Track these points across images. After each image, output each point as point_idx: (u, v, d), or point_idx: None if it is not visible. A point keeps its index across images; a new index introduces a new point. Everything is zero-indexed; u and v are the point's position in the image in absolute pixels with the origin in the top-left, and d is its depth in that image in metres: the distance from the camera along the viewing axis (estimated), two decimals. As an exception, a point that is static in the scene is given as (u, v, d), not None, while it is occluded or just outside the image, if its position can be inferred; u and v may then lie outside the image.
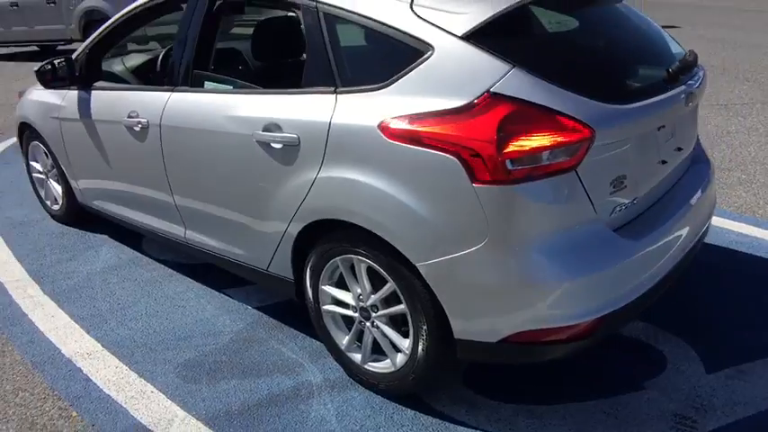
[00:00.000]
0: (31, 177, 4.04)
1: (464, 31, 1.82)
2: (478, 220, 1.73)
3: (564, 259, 1.75)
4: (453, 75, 1.80)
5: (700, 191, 2.31)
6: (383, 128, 1.85)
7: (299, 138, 2.08)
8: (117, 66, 3.38)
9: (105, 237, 3.66)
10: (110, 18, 3.07)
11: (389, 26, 1.94)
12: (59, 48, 12.17)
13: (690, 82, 2.14)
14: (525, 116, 1.70)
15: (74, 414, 2.19)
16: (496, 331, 1.82)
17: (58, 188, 3.75)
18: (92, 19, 11.03)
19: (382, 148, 1.85)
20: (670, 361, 2.34)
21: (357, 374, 2.25)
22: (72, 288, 3.09)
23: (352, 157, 1.94)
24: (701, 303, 2.73)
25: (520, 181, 1.69)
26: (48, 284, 3.13)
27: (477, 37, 1.81)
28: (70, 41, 11.51)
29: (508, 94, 1.72)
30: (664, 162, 2.10)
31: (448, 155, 1.72)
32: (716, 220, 3.50)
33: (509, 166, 1.67)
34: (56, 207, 3.85)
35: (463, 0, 1.92)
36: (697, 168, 2.48)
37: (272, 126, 2.16)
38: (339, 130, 1.97)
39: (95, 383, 2.35)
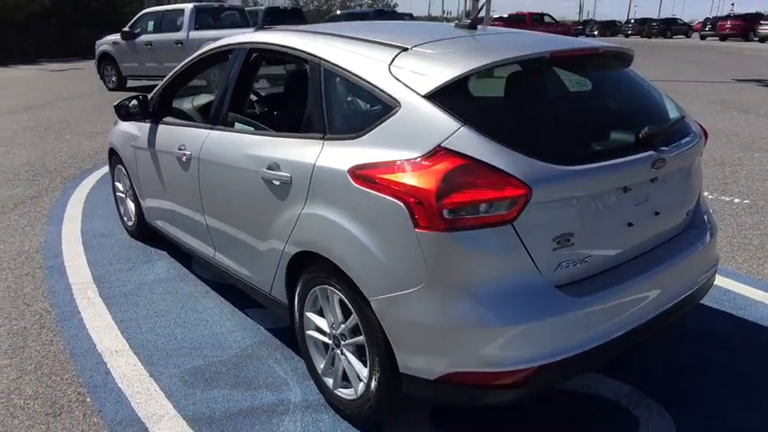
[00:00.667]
0: (114, 196, 4.64)
1: (427, 91, 2.01)
2: (419, 262, 1.88)
3: (495, 307, 1.85)
4: (413, 129, 1.99)
5: (684, 256, 2.29)
6: (351, 173, 2.06)
7: (291, 177, 2.34)
8: (186, 104, 3.88)
9: (164, 253, 4.12)
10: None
11: (369, 83, 2.17)
12: None
13: (663, 148, 2.16)
14: (467, 171, 1.84)
15: (88, 400, 2.54)
16: (432, 369, 1.93)
17: (132, 207, 4.29)
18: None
19: (349, 191, 2.07)
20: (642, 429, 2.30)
21: (329, 398, 2.43)
22: (122, 294, 3.53)
23: (328, 198, 2.17)
24: (698, 374, 2.64)
25: (456, 230, 1.82)
26: (105, 288, 3.60)
27: (437, 96, 1.99)
28: (191, 78, 12.82)
29: (455, 149, 1.88)
30: (630, 224, 2.12)
31: (398, 201, 1.90)
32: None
33: (446, 215, 1.82)
34: (130, 223, 4.40)
35: (433, 62, 2.12)
36: (690, 233, 2.45)
37: (273, 165, 2.45)
38: (320, 173, 2.21)
39: (113, 377, 2.70)
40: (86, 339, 3.03)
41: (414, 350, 1.97)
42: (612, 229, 2.09)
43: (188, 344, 2.98)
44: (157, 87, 3.75)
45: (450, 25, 2.82)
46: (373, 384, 2.13)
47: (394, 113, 2.05)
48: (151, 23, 13.33)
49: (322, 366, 2.44)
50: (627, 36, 48.66)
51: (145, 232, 4.21)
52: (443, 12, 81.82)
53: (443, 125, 1.93)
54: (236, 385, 2.62)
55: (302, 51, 2.53)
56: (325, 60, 2.40)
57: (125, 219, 4.49)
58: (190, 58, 3.50)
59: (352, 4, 63.11)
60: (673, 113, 2.43)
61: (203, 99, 3.94)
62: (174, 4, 14.97)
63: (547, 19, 33.41)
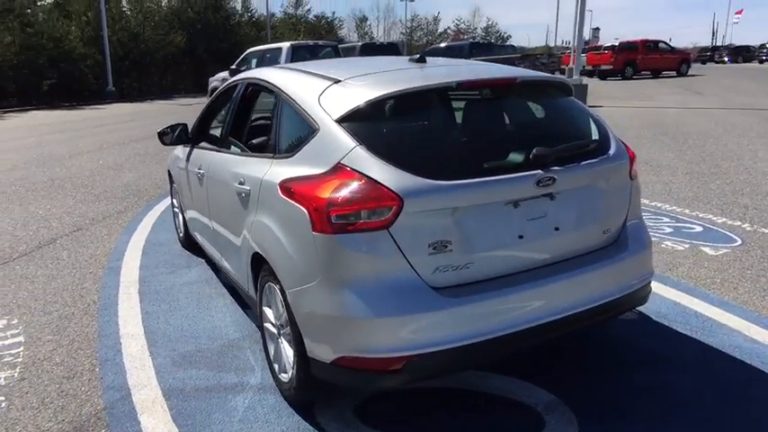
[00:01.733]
0: (172, 210, 5.38)
1: (337, 117, 2.38)
2: (316, 261, 2.23)
3: (373, 301, 2.15)
4: (326, 148, 2.37)
5: (590, 270, 2.43)
6: (279, 185, 2.47)
7: (250, 190, 2.80)
8: (216, 131, 4.51)
9: (201, 261, 4.74)
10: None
11: (304, 110, 2.59)
12: None
13: (555, 168, 2.35)
14: (354, 183, 2.18)
15: (96, 370, 3.11)
16: (327, 354, 2.26)
17: (181, 219, 4.97)
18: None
19: (277, 201, 2.47)
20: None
21: (276, 382, 2.80)
22: (156, 291, 4.15)
23: (267, 207, 2.59)
24: (616, 386, 2.71)
25: (341, 233, 2.16)
26: (144, 286, 4.25)
27: (344, 121, 2.36)
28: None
29: (349, 165, 2.23)
30: (521, 237, 2.32)
31: (303, 208, 2.28)
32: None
33: (334, 221, 2.16)
34: (180, 234, 5.09)
35: (351, 93, 2.49)
36: (611, 250, 2.57)
37: (241, 180, 2.92)
38: (265, 186, 2.64)
39: (121, 354, 3.27)
40: (114, 325, 3.65)
41: (314, 337, 2.31)
42: (500, 240, 2.31)
43: (189, 333, 3.49)
44: (197, 117, 4.40)
45: (404, 59, 3.15)
46: (296, 368, 2.49)
47: (315, 135, 2.44)
48: (254, 61, 14.72)
49: (272, 354, 2.83)
50: (761, 62, 44.96)
51: (190, 241, 4.87)
52: (562, 42, 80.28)
53: (344, 145, 2.29)
54: (212, 368, 3.08)
55: (269, 83, 3.02)
56: (281, 91, 2.85)
57: (178, 230, 5.19)
58: (216, 92, 4.11)
59: (465, 37, 64.12)
60: (592, 136, 2.59)
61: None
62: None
63: (662, 45, 31.93)
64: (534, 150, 2.33)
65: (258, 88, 3.36)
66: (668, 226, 5.15)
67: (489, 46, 21.14)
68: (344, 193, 2.17)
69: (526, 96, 2.70)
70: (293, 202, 2.34)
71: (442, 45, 22.71)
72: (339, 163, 2.26)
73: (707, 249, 4.54)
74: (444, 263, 2.21)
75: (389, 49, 18.09)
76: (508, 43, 50.02)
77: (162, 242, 5.28)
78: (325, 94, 2.55)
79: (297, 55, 13.99)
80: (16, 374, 3.10)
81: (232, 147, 3.42)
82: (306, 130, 2.54)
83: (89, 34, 30.97)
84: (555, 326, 2.36)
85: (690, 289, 3.80)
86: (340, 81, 2.61)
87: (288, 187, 2.40)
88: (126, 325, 3.64)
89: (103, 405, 2.78)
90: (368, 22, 71.39)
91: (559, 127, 2.63)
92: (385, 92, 2.39)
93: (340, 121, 2.37)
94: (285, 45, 14.00)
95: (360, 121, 2.35)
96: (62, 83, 28.59)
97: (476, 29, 70.29)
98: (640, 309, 3.49)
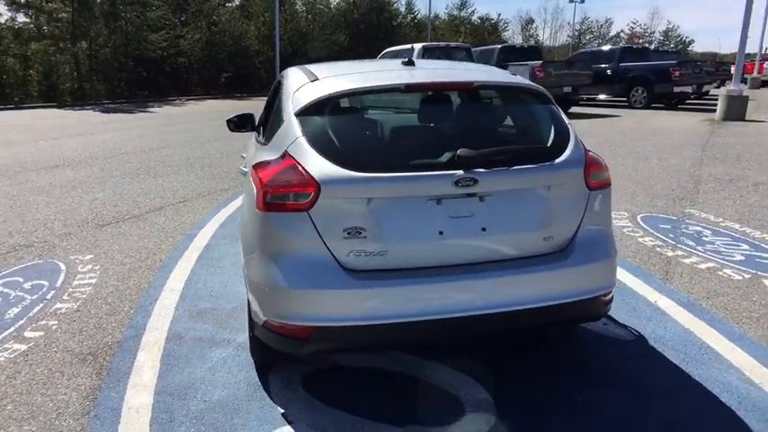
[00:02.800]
0: (252, 191, 6.03)
1: (296, 110, 2.68)
2: (256, 235, 2.56)
3: (290, 274, 2.42)
4: (283, 137, 2.68)
5: (514, 274, 2.47)
6: (253, 168, 2.83)
7: (247, 172, 3.20)
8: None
9: (262, 236, 5.29)
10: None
11: (283, 104, 2.92)
12: None
13: (479, 170, 2.41)
14: (288, 169, 2.47)
15: (131, 312, 3.74)
16: (260, 317, 2.57)
17: (252, 199, 5.58)
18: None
19: (248, 182, 2.84)
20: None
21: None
22: (211, 258, 4.76)
23: (247, 187, 2.97)
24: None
25: (272, 211, 2.46)
26: (204, 253, 4.89)
27: (299, 115, 2.65)
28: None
29: (290, 153, 2.52)
30: (441, 233, 2.43)
31: (255, 188, 2.62)
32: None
33: (269, 200, 2.47)
34: (252, 212, 5.70)
35: (315, 90, 2.75)
36: (556, 257, 2.56)
37: (246, 163, 3.33)
38: (249, 170, 3.02)
39: (156, 303, 3.87)
40: (164, 279, 4.29)
41: (253, 301, 2.63)
42: (418, 233, 2.44)
43: (215, 294, 4.01)
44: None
45: (397, 62, 3.32)
46: (248, 328, 2.84)
47: (282, 125, 2.76)
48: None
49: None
50: None
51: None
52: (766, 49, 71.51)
53: (292, 135, 2.59)
54: (215, 324, 3.55)
55: (281, 79, 3.39)
56: (281, 86, 3.21)
57: (252, 209, 5.81)
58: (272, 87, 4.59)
59: (641, 41, 59.87)
60: (545, 143, 2.59)
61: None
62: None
63: None
64: (458, 152, 2.42)
65: (279, 84, 3.76)
66: (742, 253, 4.67)
67: (643, 51, 19.66)
68: (279, 176, 2.47)
69: (485, 100, 2.76)
70: (252, 183, 2.69)
71: (590, 50, 21.62)
72: (285, 150, 2.56)
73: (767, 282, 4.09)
74: (358, 248, 2.41)
75: (531, 52, 17.71)
76: (690, 49, 45.62)
77: (237, 218, 5.95)
78: (300, 90, 2.86)
79: (428, 55, 14.35)
80: (75, 307, 3.83)
81: (260, 136, 3.86)
82: (281, 121, 2.88)
83: (264, 33, 34.13)
84: (473, 321, 2.44)
85: (715, 320, 3.50)
86: (317, 80, 2.90)
87: (254, 170, 2.75)
88: (173, 281, 4.26)
89: (119, 339, 3.37)
90: (534, 25, 69.52)
91: (510, 131, 2.66)
92: (333, 91, 2.64)
93: (297, 114, 2.66)
94: (417, 46, 14.44)
95: (308, 115, 2.63)
96: (237, 76, 31.94)
97: (653, 32, 65.17)
98: (640, 331, 3.35)
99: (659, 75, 17.07)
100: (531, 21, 69.11)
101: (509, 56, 16.97)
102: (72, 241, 5.22)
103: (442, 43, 16.30)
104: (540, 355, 3.14)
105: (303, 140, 2.52)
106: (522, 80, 2.88)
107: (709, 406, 2.66)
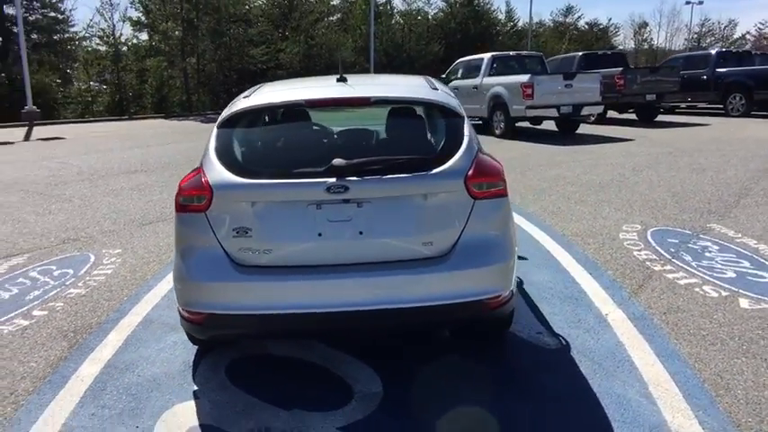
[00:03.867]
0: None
1: (218, 124, 3.04)
2: (174, 233, 2.95)
3: (190, 267, 2.79)
4: (204, 149, 3.05)
5: (390, 275, 2.67)
6: None
7: None
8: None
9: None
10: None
11: None
12: (477, 123, 15.03)
13: (352, 178, 2.64)
14: (195, 177, 2.84)
15: (125, 299, 4.28)
16: (177, 304, 2.95)
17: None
18: (497, 102, 13.56)
19: None
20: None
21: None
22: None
23: None
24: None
25: (180, 212, 2.84)
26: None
27: (218, 128, 3.01)
28: (480, 119, 14.35)
29: (202, 164, 2.89)
30: (320, 235, 2.68)
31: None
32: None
33: (180, 202, 2.85)
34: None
35: (238, 103, 3.10)
36: (427, 262, 2.72)
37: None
38: None
39: (150, 293, 4.39)
40: (167, 272, 4.82)
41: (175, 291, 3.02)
42: (299, 234, 2.70)
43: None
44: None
45: (333, 79, 3.55)
46: None
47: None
48: (460, 70, 15.45)
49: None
50: None
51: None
52: None
53: (207, 147, 2.95)
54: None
55: None
56: None
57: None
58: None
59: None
60: (429, 154, 2.75)
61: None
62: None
63: None
64: (332, 161, 2.66)
65: None
66: (737, 270, 4.42)
67: (744, 55, 18.15)
68: (188, 183, 2.84)
69: (382, 113, 2.97)
70: None
71: (683, 55, 20.27)
72: (201, 161, 2.93)
73: (745, 302, 3.87)
74: (246, 246, 2.72)
75: (614, 59, 16.98)
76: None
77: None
78: (229, 105, 3.23)
79: (499, 64, 14.28)
80: (83, 292, 4.45)
81: None
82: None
83: (360, 45, 35.29)
84: (348, 317, 2.67)
85: (656, 335, 3.42)
86: (248, 96, 3.25)
87: None
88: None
89: (102, 321, 3.91)
90: (647, 29, 65.86)
91: (399, 142, 2.84)
92: (243, 106, 2.99)
93: (218, 127, 3.03)
94: (487, 55, 14.39)
95: (223, 128, 2.99)
96: (332, 87, 33.28)
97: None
98: (572, 341, 3.37)
99: (759, 80, 15.77)
100: (644, 24, 65.60)
101: (590, 63, 16.44)
102: (111, 237, 5.95)
103: (513, 52, 16.04)
104: (452, 356, 3.27)
105: (212, 152, 2.89)
106: (426, 95, 3.08)
107: (588, 417, 2.68)
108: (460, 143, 2.88)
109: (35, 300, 4.31)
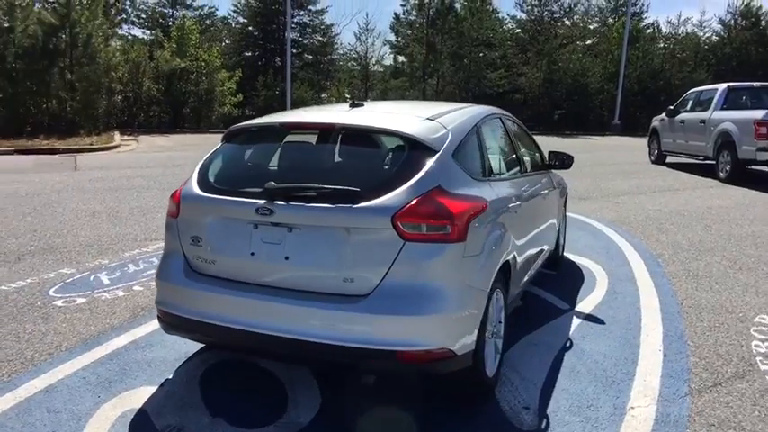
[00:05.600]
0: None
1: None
2: (165, 235, 3.30)
3: (161, 266, 3.08)
4: None
5: (306, 306, 2.63)
6: None
7: None
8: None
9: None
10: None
11: None
12: (703, 162, 12.87)
13: (279, 203, 2.65)
14: (182, 187, 3.12)
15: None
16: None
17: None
18: (724, 141, 11.56)
19: None
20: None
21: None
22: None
23: None
24: None
25: (169, 217, 3.15)
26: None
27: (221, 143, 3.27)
28: (706, 158, 12.36)
29: (191, 176, 3.18)
30: (252, 254, 2.73)
31: None
32: None
33: (169, 208, 3.18)
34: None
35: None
36: (345, 299, 2.58)
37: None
38: None
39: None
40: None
41: None
42: (235, 251, 2.79)
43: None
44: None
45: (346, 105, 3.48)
46: None
47: None
48: (690, 102, 13.52)
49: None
50: None
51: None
52: None
53: (198, 163, 3.23)
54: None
55: None
56: None
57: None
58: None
59: None
60: (363, 186, 2.62)
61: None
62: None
63: None
64: (266, 184, 2.69)
65: None
66: None
67: None
68: (176, 194, 3.14)
69: (346, 141, 2.88)
70: None
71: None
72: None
73: None
74: (199, 254, 2.91)
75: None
76: None
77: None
78: None
79: (734, 97, 12.05)
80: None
81: None
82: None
83: (610, 71, 33.12)
84: (266, 340, 2.68)
85: None
86: (261, 116, 3.45)
87: None
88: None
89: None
90: None
91: (344, 170, 2.74)
92: (235, 127, 3.18)
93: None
94: (722, 86, 12.26)
95: (221, 144, 3.24)
96: (571, 113, 31.88)
97: None
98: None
99: None
100: None
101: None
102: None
103: (758, 84, 13.14)
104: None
105: (198, 167, 3.15)
106: (391, 125, 2.95)
107: None
108: (411, 177, 2.66)
109: (128, 281, 5.01)
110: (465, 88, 30.15)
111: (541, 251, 4.41)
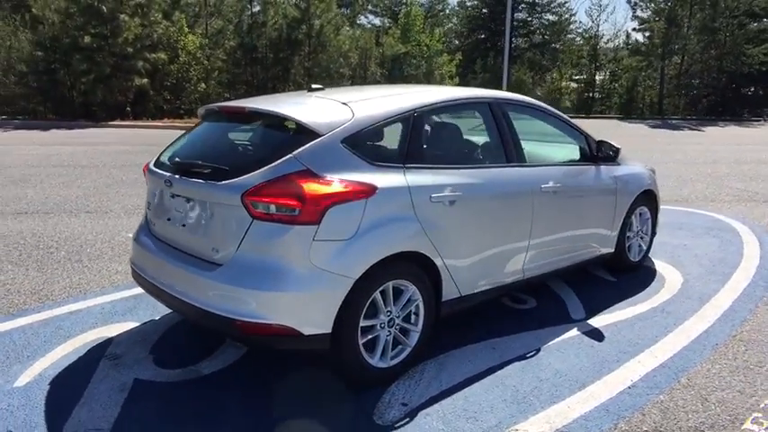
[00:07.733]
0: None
1: (201, 119, 3.74)
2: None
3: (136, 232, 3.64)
4: None
5: (184, 269, 2.93)
6: None
7: None
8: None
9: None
10: None
11: None
12: None
13: (177, 176, 2.97)
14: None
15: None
16: None
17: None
18: None
19: None
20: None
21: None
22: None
23: None
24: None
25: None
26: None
27: None
28: None
29: (164, 151, 3.68)
30: (168, 219, 3.10)
31: None
32: None
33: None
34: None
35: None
36: (209, 266, 2.81)
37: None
38: None
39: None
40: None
41: None
42: (161, 215, 3.19)
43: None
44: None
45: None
46: None
47: None
48: None
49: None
50: None
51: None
52: None
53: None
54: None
55: None
56: None
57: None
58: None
59: None
60: (236, 163, 2.80)
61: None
62: None
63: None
64: (175, 158, 3.03)
65: None
66: None
67: None
68: None
69: (248, 123, 3.04)
70: None
71: None
72: None
73: None
74: (150, 217, 3.39)
75: None
76: None
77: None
78: None
79: None
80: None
81: None
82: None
83: None
84: (167, 296, 3.05)
85: None
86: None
87: None
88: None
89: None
90: None
91: (233, 150, 2.90)
92: (200, 108, 3.56)
93: None
94: None
95: None
96: None
97: None
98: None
99: None
100: None
101: None
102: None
103: None
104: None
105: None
106: (283, 110, 3.02)
107: None
108: (276, 159, 2.73)
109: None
110: (716, 67, 25.91)
111: (560, 251, 3.94)
